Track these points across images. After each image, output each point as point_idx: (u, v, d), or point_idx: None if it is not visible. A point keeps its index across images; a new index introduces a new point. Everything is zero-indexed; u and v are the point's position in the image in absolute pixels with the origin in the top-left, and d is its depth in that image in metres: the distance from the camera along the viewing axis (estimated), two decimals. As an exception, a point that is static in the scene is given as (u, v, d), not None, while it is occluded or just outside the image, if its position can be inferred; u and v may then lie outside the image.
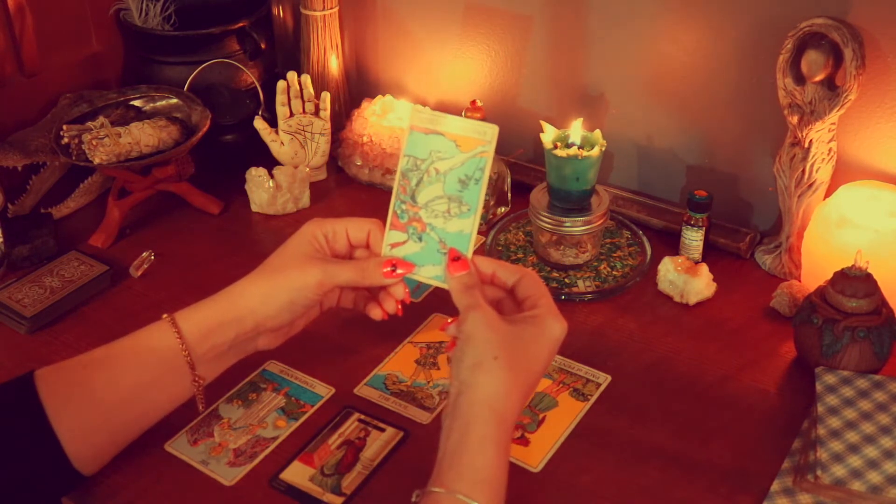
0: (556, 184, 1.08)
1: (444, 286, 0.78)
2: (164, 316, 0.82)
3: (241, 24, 1.32)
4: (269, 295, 0.82)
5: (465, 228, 0.78)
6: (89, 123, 1.18)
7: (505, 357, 0.72)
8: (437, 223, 0.79)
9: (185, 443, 0.89)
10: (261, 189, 1.24)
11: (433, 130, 0.79)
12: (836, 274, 0.93)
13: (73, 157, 1.16)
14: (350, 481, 0.84)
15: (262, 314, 0.82)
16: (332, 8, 1.35)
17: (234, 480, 0.85)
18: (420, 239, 0.80)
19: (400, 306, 0.85)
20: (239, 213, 1.26)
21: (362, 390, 0.95)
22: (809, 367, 0.93)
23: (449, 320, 0.78)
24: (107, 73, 1.40)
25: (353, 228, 0.84)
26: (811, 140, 1.03)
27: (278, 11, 1.47)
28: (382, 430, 0.90)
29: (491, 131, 0.78)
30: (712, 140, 1.17)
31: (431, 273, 0.80)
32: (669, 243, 1.16)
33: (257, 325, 0.83)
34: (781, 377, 0.96)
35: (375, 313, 0.85)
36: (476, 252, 0.81)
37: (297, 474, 0.85)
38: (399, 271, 0.81)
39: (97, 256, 1.14)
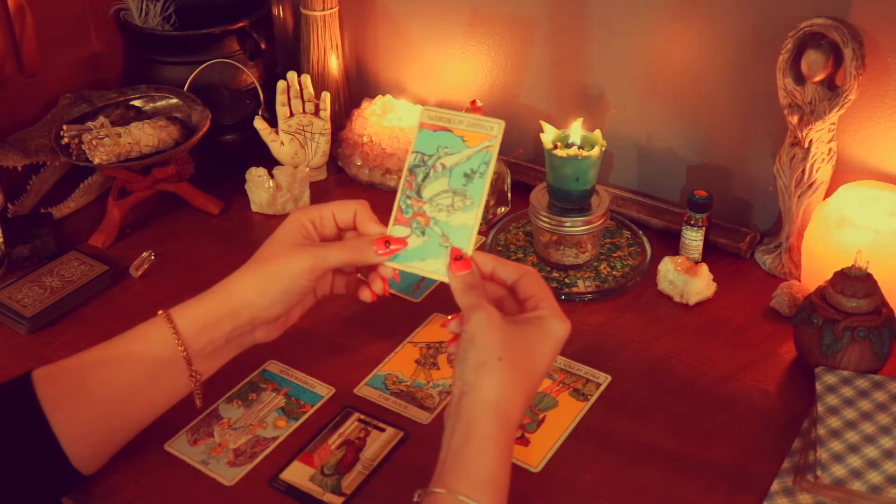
0: (556, 184, 1.08)
1: (445, 280, 0.78)
2: (160, 312, 0.82)
3: (241, 24, 1.32)
4: (263, 286, 0.81)
5: (467, 222, 0.79)
6: (89, 123, 1.18)
7: (509, 358, 0.71)
8: (440, 217, 0.80)
9: (185, 443, 0.89)
10: (261, 189, 1.24)
11: (442, 127, 0.81)
12: (836, 274, 0.93)
13: (73, 157, 1.16)
14: (350, 481, 0.84)
15: (257, 306, 0.82)
16: (332, 8, 1.35)
17: (234, 480, 0.85)
18: (423, 233, 0.80)
19: (387, 286, 0.84)
20: (239, 213, 1.26)
21: (362, 390, 0.95)
22: (809, 367, 0.93)
23: (449, 317, 0.78)
24: (107, 73, 1.40)
25: (340, 211, 0.84)
26: (811, 140, 1.03)
27: (278, 11, 1.47)
28: (382, 430, 0.90)
29: (497, 126, 0.79)
30: (712, 140, 1.17)
31: (433, 267, 0.80)
32: (669, 243, 1.16)
33: (253, 317, 0.82)
34: (781, 377, 0.96)
35: (364, 295, 0.84)
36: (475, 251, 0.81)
37: (297, 474, 0.85)
38: (392, 247, 0.80)
39: (97, 256, 1.14)
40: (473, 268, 0.78)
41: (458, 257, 0.78)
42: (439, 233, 0.80)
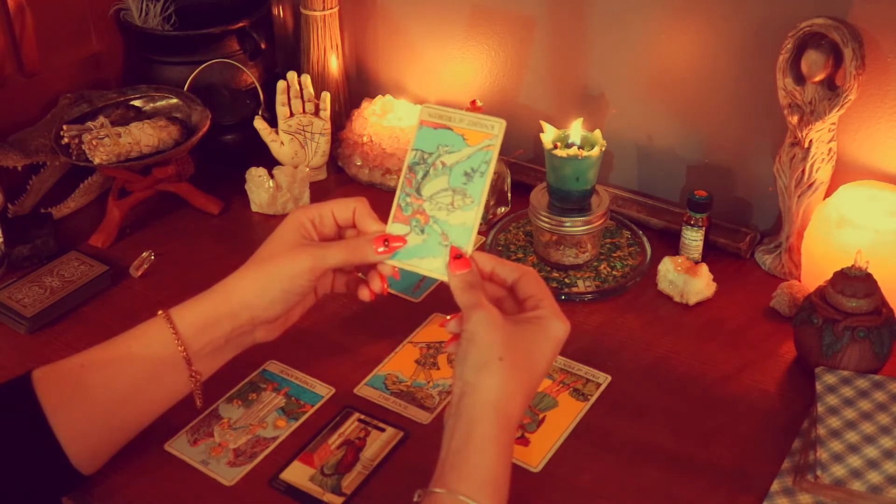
0: (556, 184, 1.08)
1: (445, 279, 0.78)
2: (160, 312, 0.82)
3: (241, 24, 1.32)
4: (263, 287, 0.81)
5: (467, 221, 0.79)
6: (89, 123, 1.18)
7: (509, 358, 0.71)
8: (440, 215, 0.79)
9: (185, 443, 0.89)
10: (261, 189, 1.24)
11: (442, 125, 0.80)
12: (836, 274, 0.93)
13: (73, 157, 1.16)
14: (350, 481, 0.84)
15: (257, 307, 0.82)
16: (332, 8, 1.35)
17: (234, 480, 0.85)
18: (422, 231, 0.80)
19: (385, 285, 0.84)
20: (239, 213, 1.26)
21: (362, 390, 0.95)
22: (809, 367, 0.93)
23: (448, 317, 0.78)
24: (107, 73, 1.40)
25: (339, 209, 0.84)
26: (811, 140, 1.03)
27: (278, 11, 1.47)
28: (382, 430, 0.90)
29: (498, 125, 0.79)
30: (712, 140, 1.17)
31: (432, 265, 0.80)
32: (669, 243, 1.16)
33: (252, 318, 0.82)
34: (781, 377, 0.96)
35: (363, 294, 0.84)
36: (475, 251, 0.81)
37: (297, 474, 0.85)
38: (391, 245, 0.80)
39: (97, 256, 1.14)
40: (473, 267, 0.78)
41: (457, 256, 0.78)
42: (439, 231, 0.79)
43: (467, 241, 0.79)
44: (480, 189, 0.78)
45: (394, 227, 0.81)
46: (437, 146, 0.80)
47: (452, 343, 0.77)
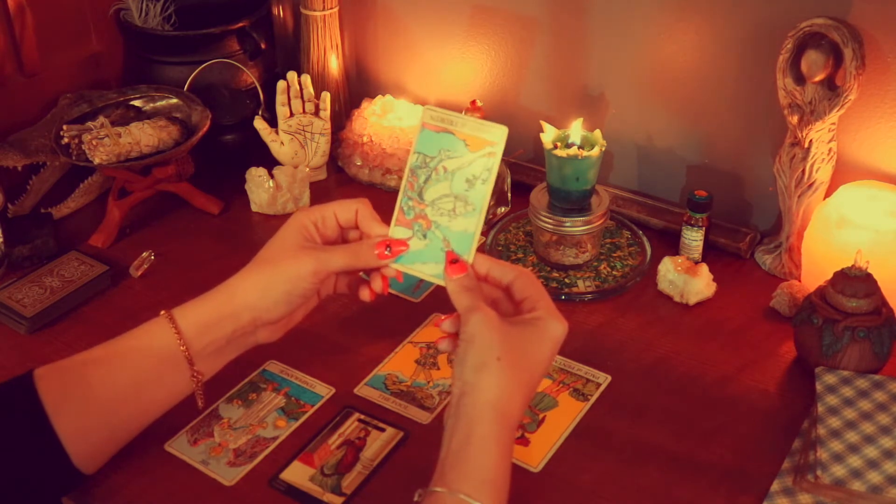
0: (556, 184, 1.08)
1: (444, 284, 0.78)
2: (162, 312, 0.82)
3: (241, 24, 1.32)
4: (266, 288, 0.81)
5: (468, 228, 0.78)
6: (89, 123, 1.18)
7: (508, 358, 0.72)
8: (442, 221, 0.79)
9: (185, 443, 0.89)
10: (261, 189, 1.24)
11: (444, 129, 0.80)
12: (836, 274, 0.93)
13: (73, 157, 1.16)
14: (350, 481, 0.84)
15: (259, 308, 0.82)
16: (332, 8, 1.35)
17: (234, 480, 0.85)
18: (424, 236, 0.80)
19: (386, 285, 0.84)
20: (239, 213, 1.26)
21: (362, 390, 0.95)
22: (809, 367, 0.93)
23: (443, 317, 0.78)
24: (107, 73, 1.40)
25: (341, 210, 0.84)
26: (811, 140, 1.03)
27: (278, 11, 1.47)
28: (382, 430, 0.90)
29: (500, 132, 0.78)
30: (712, 140, 1.17)
31: (433, 271, 0.80)
32: (669, 243, 1.16)
33: (254, 318, 0.82)
34: (781, 377, 0.96)
35: (364, 294, 0.84)
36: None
37: (297, 474, 0.85)
38: (394, 250, 0.80)
39: (97, 256, 1.14)
40: (469, 270, 0.78)
41: (453, 260, 0.78)
42: (441, 237, 0.79)
43: (468, 249, 0.78)
44: (482, 197, 0.78)
45: (396, 231, 0.81)
46: (438, 150, 0.80)
47: (445, 340, 0.77)
